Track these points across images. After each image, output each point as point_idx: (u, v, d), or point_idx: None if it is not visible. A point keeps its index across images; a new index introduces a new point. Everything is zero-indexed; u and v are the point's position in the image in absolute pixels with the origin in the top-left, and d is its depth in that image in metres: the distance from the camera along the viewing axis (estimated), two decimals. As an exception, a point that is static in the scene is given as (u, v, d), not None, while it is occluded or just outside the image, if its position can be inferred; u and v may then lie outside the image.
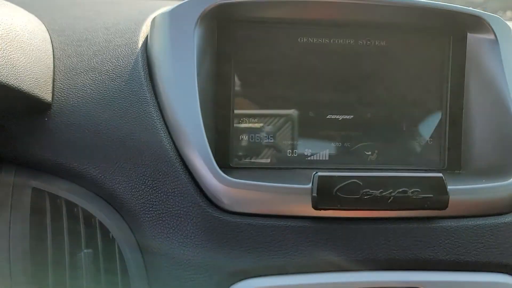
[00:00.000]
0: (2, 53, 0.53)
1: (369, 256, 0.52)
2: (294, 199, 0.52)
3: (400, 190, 0.50)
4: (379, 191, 0.50)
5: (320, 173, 0.50)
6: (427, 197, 0.50)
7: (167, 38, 0.59)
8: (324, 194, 0.49)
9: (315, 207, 0.50)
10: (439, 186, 0.51)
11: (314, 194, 0.50)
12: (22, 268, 0.55)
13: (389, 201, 0.50)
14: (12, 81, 0.54)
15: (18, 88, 0.54)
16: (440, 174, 0.51)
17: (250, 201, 0.52)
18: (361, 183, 0.50)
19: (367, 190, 0.50)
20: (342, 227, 0.52)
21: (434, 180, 0.51)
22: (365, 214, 0.52)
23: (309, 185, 0.50)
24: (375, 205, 0.50)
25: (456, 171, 0.64)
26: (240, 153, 0.63)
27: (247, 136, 0.63)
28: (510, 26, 0.64)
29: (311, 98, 0.64)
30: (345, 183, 0.50)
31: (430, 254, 0.53)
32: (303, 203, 0.51)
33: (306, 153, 0.65)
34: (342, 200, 0.50)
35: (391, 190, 0.50)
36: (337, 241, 0.52)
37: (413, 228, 0.53)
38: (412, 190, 0.50)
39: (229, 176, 0.52)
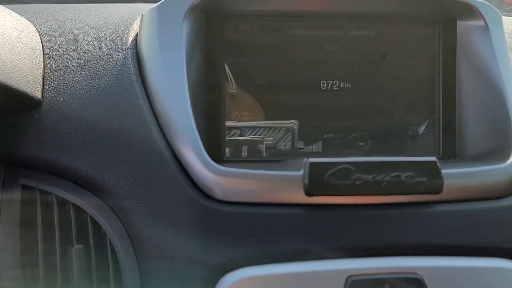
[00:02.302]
0: (-10, 49, 0.53)
1: (364, 242, 0.51)
2: (286, 186, 0.51)
3: (393, 174, 0.49)
4: (371, 176, 0.49)
5: (311, 159, 0.49)
6: (421, 181, 0.49)
7: (155, 32, 0.59)
8: (316, 181, 0.49)
9: (307, 193, 0.49)
10: (433, 170, 0.50)
11: (306, 181, 0.49)
12: (12, 265, 0.54)
13: (382, 185, 0.49)
14: (0, 76, 0.53)
15: (6, 83, 0.54)
16: (434, 158, 0.50)
17: (241, 190, 0.51)
18: (353, 168, 0.49)
19: (359, 175, 0.49)
20: (336, 214, 0.51)
21: (427, 164, 0.50)
22: (359, 200, 0.52)
23: (301, 172, 0.50)
24: (368, 190, 0.49)
25: (451, 160, 0.63)
26: (231, 147, 0.63)
27: (238, 130, 0.63)
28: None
29: (302, 90, 0.64)
30: (336, 168, 0.49)
31: (427, 239, 0.51)
32: (295, 191, 0.50)
33: (299, 146, 0.64)
34: (334, 186, 0.49)
35: (384, 175, 0.49)
36: (331, 228, 0.51)
37: (408, 213, 0.52)
38: (406, 174, 0.49)
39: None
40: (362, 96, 0.65)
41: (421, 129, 0.65)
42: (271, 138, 0.64)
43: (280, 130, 0.63)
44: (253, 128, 0.63)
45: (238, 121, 0.63)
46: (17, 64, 0.57)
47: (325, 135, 0.64)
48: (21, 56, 0.59)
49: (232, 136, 0.63)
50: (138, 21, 0.70)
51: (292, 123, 0.64)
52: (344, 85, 0.64)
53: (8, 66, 0.55)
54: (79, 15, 0.80)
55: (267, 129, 0.64)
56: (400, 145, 0.65)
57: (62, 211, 0.57)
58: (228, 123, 0.63)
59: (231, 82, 0.63)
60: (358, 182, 0.49)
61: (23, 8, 0.75)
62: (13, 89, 0.55)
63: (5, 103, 0.58)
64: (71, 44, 0.66)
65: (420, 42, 0.65)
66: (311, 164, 0.49)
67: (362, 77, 0.65)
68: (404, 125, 0.65)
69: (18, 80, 0.56)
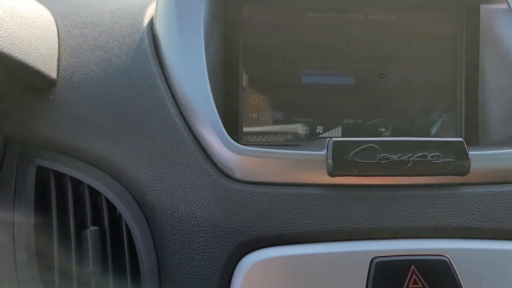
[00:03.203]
0: (6, 26, 0.52)
1: (389, 224, 0.49)
2: (308, 165, 0.50)
3: (420, 154, 0.48)
4: (397, 156, 0.48)
5: (335, 139, 0.48)
6: (448, 161, 0.48)
7: (173, 13, 0.58)
8: (340, 160, 0.47)
9: (331, 173, 0.48)
10: (460, 151, 0.48)
11: (329, 160, 0.47)
12: (26, 247, 0.53)
13: (407, 166, 0.48)
14: (16, 53, 0.52)
15: (22, 61, 0.53)
16: (461, 139, 0.49)
17: (263, 169, 0.50)
18: (378, 148, 0.48)
19: (385, 154, 0.48)
20: (359, 194, 0.50)
21: (454, 144, 0.48)
22: (383, 181, 0.50)
23: (324, 151, 0.48)
24: (393, 170, 0.48)
25: (474, 146, 0.62)
26: (250, 130, 0.62)
27: (256, 113, 0.62)
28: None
29: (321, 73, 0.63)
30: (361, 147, 0.47)
31: (453, 221, 0.50)
32: (318, 170, 0.49)
33: (318, 131, 0.63)
34: (358, 165, 0.47)
35: (410, 155, 0.48)
36: (354, 209, 0.49)
37: (434, 195, 0.50)
38: (432, 154, 0.48)
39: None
40: (383, 81, 0.63)
41: (443, 115, 0.63)
42: (289, 122, 0.62)
43: (298, 114, 0.62)
44: (271, 111, 0.62)
45: (256, 103, 0.62)
46: (33, 43, 0.56)
47: (344, 121, 0.63)
48: (37, 36, 0.58)
49: (249, 119, 0.61)
50: (153, 5, 0.69)
51: (311, 107, 0.62)
52: (364, 69, 0.63)
53: (25, 44, 0.54)
54: (91, 1, 0.79)
55: (285, 113, 0.62)
56: (422, 131, 0.63)
57: (76, 192, 0.56)
58: (246, 106, 0.61)
59: (250, 64, 0.62)
60: (383, 162, 0.47)
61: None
62: (29, 67, 0.54)
63: (20, 82, 0.57)
64: (86, 26, 0.65)
65: (442, 26, 0.64)
66: (335, 143, 0.48)
67: (383, 61, 0.63)
68: (426, 110, 0.63)
69: (34, 58, 0.55)
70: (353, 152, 0.47)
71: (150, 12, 0.67)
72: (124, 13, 0.68)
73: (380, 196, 0.50)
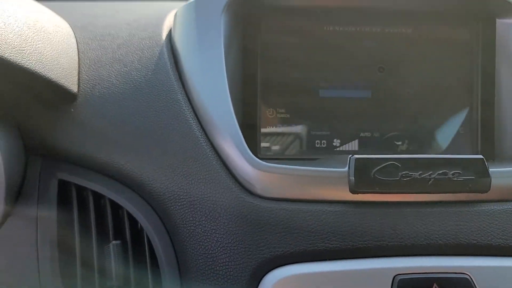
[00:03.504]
0: (31, 42, 0.53)
1: (410, 241, 0.50)
2: (330, 182, 0.50)
3: (440, 172, 0.48)
4: (418, 173, 0.48)
5: (356, 156, 0.48)
6: (469, 179, 0.48)
7: (193, 26, 0.59)
8: (362, 177, 0.48)
9: (353, 190, 0.48)
10: (481, 168, 0.49)
11: (352, 177, 0.48)
12: (49, 260, 0.54)
13: (429, 183, 0.48)
14: (40, 69, 0.53)
15: (46, 76, 0.54)
16: (481, 156, 0.49)
17: (285, 185, 0.50)
18: (399, 165, 0.48)
19: (406, 172, 0.48)
20: (381, 211, 0.50)
21: (475, 162, 0.49)
22: (404, 198, 0.51)
23: (346, 168, 0.49)
24: (414, 187, 0.48)
25: (490, 160, 0.62)
26: (267, 144, 0.62)
27: (274, 126, 0.62)
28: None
29: (338, 87, 0.63)
30: (383, 165, 0.48)
31: (474, 238, 0.50)
32: (339, 187, 0.49)
33: (334, 144, 0.63)
34: (380, 183, 0.48)
35: (431, 172, 0.48)
36: (376, 226, 0.50)
37: (455, 212, 0.51)
38: (453, 172, 0.48)
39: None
40: (399, 94, 0.64)
41: (459, 128, 0.64)
42: (306, 135, 0.63)
43: (315, 127, 0.63)
44: (288, 124, 0.62)
45: (273, 117, 0.62)
46: (56, 57, 0.57)
47: (361, 134, 0.63)
48: (59, 50, 0.59)
49: (267, 132, 0.62)
50: (169, 17, 0.70)
51: (328, 121, 0.63)
52: (380, 82, 0.63)
53: (48, 60, 0.55)
54: (107, 11, 0.80)
55: (302, 126, 0.63)
56: (438, 144, 0.63)
57: (98, 206, 0.56)
58: (263, 118, 0.62)
59: (268, 76, 0.62)
60: (404, 179, 0.48)
61: (49, 5, 0.75)
62: (52, 82, 0.55)
63: (43, 97, 0.57)
64: (104, 39, 0.66)
65: (459, 40, 0.64)
66: (357, 160, 0.48)
67: (399, 74, 0.64)
68: (442, 123, 0.64)
69: (57, 73, 0.56)
70: (375, 169, 0.48)
71: (167, 24, 0.68)
72: (141, 25, 0.68)
73: (401, 213, 0.50)
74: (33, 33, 0.55)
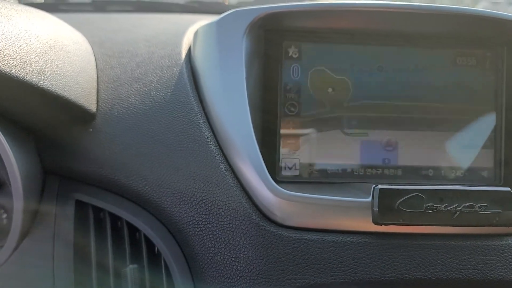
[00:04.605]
0: (51, 63, 0.53)
1: (435, 275, 0.49)
2: (353, 213, 0.49)
3: (466, 204, 0.47)
4: (443, 205, 0.47)
5: (380, 186, 0.47)
6: (495, 212, 0.47)
7: (214, 48, 0.58)
8: (386, 208, 0.47)
9: (377, 222, 0.47)
10: (508, 201, 0.47)
11: (375, 208, 0.47)
12: (65, 281, 0.53)
13: (454, 216, 0.47)
14: (60, 90, 0.53)
15: (66, 97, 0.53)
16: (508, 188, 0.48)
17: (307, 215, 0.50)
18: (424, 197, 0.47)
19: (431, 204, 0.47)
20: (404, 243, 0.49)
21: (502, 195, 0.48)
22: (428, 230, 0.50)
23: (369, 199, 0.48)
24: (439, 220, 0.47)
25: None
26: (286, 167, 0.61)
27: (293, 150, 0.61)
28: None
29: (359, 111, 0.62)
30: (407, 196, 0.47)
31: (500, 273, 0.49)
32: (362, 218, 0.48)
33: (355, 173, 0.62)
34: (404, 214, 0.47)
35: (457, 205, 0.47)
36: (399, 258, 0.49)
37: (481, 245, 0.50)
38: (479, 205, 0.47)
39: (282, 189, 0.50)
40: (421, 119, 0.62)
41: (482, 153, 0.62)
42: (325, 161, 0.62)
43: (335, 156, 0.61)
44: (307, 149, 0.61)
45: (294, 143, 0.61)
46: (75, 77, 0.57)
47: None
48: (78, 69, 0.58)
49: (286, 155, 0.61)
50: (187, 35, 0.69)
51: (348, 152, 0.62)
52: (402, 107, 0.62)
53: (68, 79, 0.55)
54: (124, 26, 0.79)
55: (320, 153, 0.61)
56: (459, 169, 0.62)
57: (115, 228, 0.56)
58: (284, 142, 0.61)
59: (288, 101, 0.61)
60: (429, 212, 0.47)
61: (66, 18, 0.75)
62: (72, 103, 0.54)
63: (61, 117, 0.57)
64: (123, 56, 0.65)
65: (483, 63, 0.63)
66: (381, 190, 0.47)
67: (421, 97, 0.63)
68: (464, 149, 0.62)
69: (76, 93, 0.55)
70: (400, 200, 0.47)
71: (186, 42, 0.67)
72: (160, 42, 0.68)
73: (425, 246, 0.49)
74: (54, 53, 0.54)
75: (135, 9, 1.10)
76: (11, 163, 0.52)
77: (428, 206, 0.47)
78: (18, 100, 0.52)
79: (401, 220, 0.47)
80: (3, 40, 0.47)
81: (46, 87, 0.50)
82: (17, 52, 0.48)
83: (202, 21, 0.78)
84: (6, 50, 0.47)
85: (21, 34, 0.50)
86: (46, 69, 0.51)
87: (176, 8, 1.12)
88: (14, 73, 0.46)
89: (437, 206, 0.47)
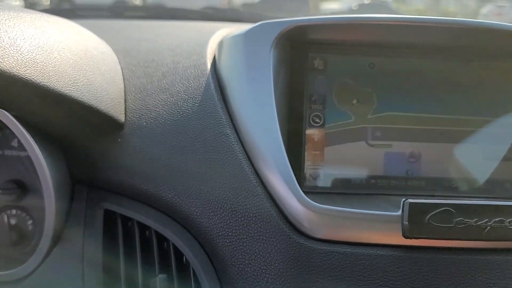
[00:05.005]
0: (83, 74, 0.53)
1: (465, 289, 0.49)
2: (382, 226, 0.50)
3: (497, 219, 0.47)
4: (474, 220, 0.47)
5: (410, 200, 0.48)
6: (525, 227, 0.48)
7: (242, 59, 0.58)
8: (416, 222, 0.47)
9: (406, 236, 0.48)
10: (537, 216, 0.48)
11: (405, 222, 0.47)
12: (95, 288, 0.54)
13: (485, 231, 0.47)
14: (92, 101, 0.53)
15: (97, 108, 0.54)
16: None
17: (337, 227, 0.50)
18: (454, 211, 0.47)
19: (461, 219, 0.47)
20: (433, 257, 0.49)
21: (531, 210, 0.48)
22: (458, 244, 0.50)
23: (399, 213, 0.48)
24: (470, 235, 0.47)
25: None
26: (310, 177, 0.62)
27: (317, 160, 0.62)
28: None
29: (383, 123, 0.63)
30: (437, 210, 0.47)
31: (532, 289, 0.50)
32: (392, 231, 0.49)
33: (380, 185, 0.62)
34: (434, 229, 0.47)
35: (487, 220, 0.47)
36: (429, 272, 0.49)
37: (510, 260, 0.50)
38: (510, 219, 0.47)
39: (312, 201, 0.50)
40: (444, 131, 0.63)
41: (506, 167, 0.63)
42: (350, 171, 0.62)
43: (361, 167, 0.62)
44: (332, 161, 0.62)
45: (318, 150, 0.62)
46: (105, 87, 0.57)
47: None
48: (107, 79, 0.59)
49: (311, 166, 0.62)
50: (211, 45, 0.70)
51: (373, 163, 0.62)
52: (429, 120, 0.63)
53: (99, 90, 0.55)
54: (147, 35, 0.80)
55: (345, 164, 0.62)
56: (488, 182, 0.62)
57: (143, 237, 0.56)
58: (308, 153, 0.61)
59: (313, 111, 0.62)
60: (459, 226, 0.47)
61: (88, 26, 0.76)
62: (102, 113, 0.55)
63: (90, 127, 0.58)
64: (148, 65, 0.66)
65: (508, 77, 0.63)
66: (411, 204, 0.48)
67: (444, 109, 0.63)
68: (488, 162, 0.63)
69: (106, 103, 0.56)
70: (430, 215, 0.47)
71: (210, 52, 0.68)
72: (184, 51, 0.69)
73: (455, 260, 0.50)
74: (85, 64, 0.55)
75: (151, 16, 1.11)
76: (43, 169, 0.53)
77: (458, 220, 0.47)
78: (50, 111, 0.53)
79: (431, 234, 0.47)
80: (39, 52, 0.48)
81: (79, 98, 0.51)
82: (53, 64, 0.49)
83: (222, 29, 0.78)
84: (43, 63, 0.47)
85: (54, 46, 0.51)
86: (79, 80, 0.52)
87: (192, 14, 1.13)
88: (51, 86, 0.47)
89: (468, 221, 0.47)
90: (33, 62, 0.46)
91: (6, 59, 0.43)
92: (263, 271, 0.50)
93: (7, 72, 0.42)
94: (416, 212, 0.48)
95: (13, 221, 0.62)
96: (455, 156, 0.63)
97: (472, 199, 0.51)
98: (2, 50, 0.43)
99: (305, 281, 0.49)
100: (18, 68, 0.44)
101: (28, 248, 0.63)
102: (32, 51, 0.47)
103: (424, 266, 0.49)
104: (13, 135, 0.64)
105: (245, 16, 1.12)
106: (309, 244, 0.50)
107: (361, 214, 0.50)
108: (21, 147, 0.64)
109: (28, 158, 0.63)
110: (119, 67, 0.65)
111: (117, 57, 0.67)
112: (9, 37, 0.45)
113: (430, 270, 0.49)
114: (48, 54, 0.49)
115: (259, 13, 1.14)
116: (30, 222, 0.63)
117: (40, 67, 0.46)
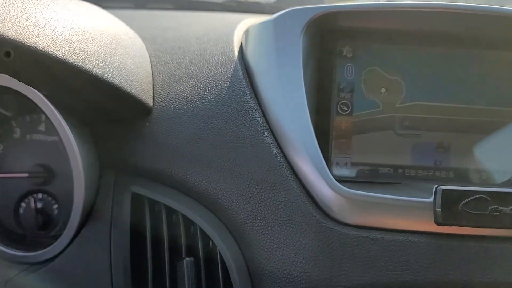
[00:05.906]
0: (114, 56, 0.54)
1: (498, 278, 0.48)
2: (414, 213, 0.49)
3: (532, 207, 0.46)
4: (509, 208, 0.46)
5: (443, 187, 0.47)
6: (562, 216, 0.46)
7: (271, 46, 0.58)
8: (449, 209, 0.46)
9: (439, 222, 0.47)
10: None
11: (438, 209, 0.47)
12: (123, 272, 0.54)
13: (520, 219, 0.46)
14: (123, 84, 0.53)
15: (127, 91, 0.54)
16: None
17: (368, 213, 0.49)
18: (489, 199, 0.47)
19: (496, 206, 0.47)
20: (466, 245, 0.49)
21: None
22: (490, 232, 0.49)
23: (431, 199, 0.47)
24: (505, 223, 0.47)
25: None
26: (338, 165, 0.61)
27: (345, 149, 0.61)
28: None
29: (411, 112, 0.62)
30: (471, 198, 0.47)
31: None
32: (423, 218, 0.48)
33: (407, 174, 0.61)
34: (468, 216, 0.46)
35: (522, 207, 0.46)
36: (462, 260, 0.48)
37: (545, 249, 0.49)
38: (545, 208, 0.46)
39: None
40: (473, 122, 0.62)
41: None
42: (377, 161, 0.61)
43: (388, 156, 0.61)
44: (359, 150, 0.61)
45: (346, 138, 0.61)
46: (135, 71, 0.57)
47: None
48: (136, 63, 0.59)
49: (338, 154, 0.61)
50: (237, 32, 0.70)
51: (401, 152, 0.61)
52: (453, 106, 0.62)
53: (129, 73, 0.56)
54: (172, 23, 0.80)
55: (373, 153, 0.61)
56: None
57: (170, 220, 0.56)
58: (336, 141, 0.61)
59: (341, 99, 0.61)
60: (494, 214, 0.46)
61: (115, 15, 0.76)
62: (132, 96, 0.55)
63: (120, 111, 0.58)
64: (175, 52, 0.66)
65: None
66: (444, 191, 0.47)
67: (474, 100, 0.62)
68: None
69: (136, 87, 0.56)
70: (463, 202, 0.47)
71: (237, 40, 0.68)
72: (211, 39, 0.68)
73: (488, 248, 0.49)
74: (115, 47, 0.55)
75: (175, 7, 1.11)
76: (74, 153, 0.53)
77: (492, 208, 0.46)
78: (82, 93, 0.53)
79: (464, 222, 0.47)
80: (72, 33, 0.48)
81: (111, 80, 0.51)
82: (85, 45, 0.49)
83: (247, 19, 0.78)
84: (76, 43, 0.48)
85: (86, 28, 0.52)
86: (110, 63, 0.52)
87: (215, 6, 1.13)
88: (83, 66, 0.47)
89: (502, 209, 0.46)
90: (66, 42, 0.46)
91: (41, 38, 0.43)
92: (293, 256, 0.50)
93: (42, 50, 0.43)
94: (449, 199, 0.47)
95: (39, 205, 0.63)
96: (485, 147, 0.62)
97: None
98: (38, 29, 0.43)
99: (336, 265, 0.48)
100: (53, 47, 0.44)
101: (54, 232, 0.63)
102: (65, 31, 0.47)
103: (457, 253, 0.48)
104: (40, 119, 0.65)
105: (267, 9, 1.11)
106: (340, 229, 0.49)
107: (392, 200, 0.49)
108: (48, 131, 0.64)
109: (55, 142, 0.64)
110: (146, 53, 0.65)
111: (145, 45, 0.68)
112: (44, 17, 0.45)
113: (463, 257, 0.48)
114: (81, 36, 0.49)
115: (281, 7, 1.13)
116: (55, 206, 0.64)
117: (73, 47, 0.47)
